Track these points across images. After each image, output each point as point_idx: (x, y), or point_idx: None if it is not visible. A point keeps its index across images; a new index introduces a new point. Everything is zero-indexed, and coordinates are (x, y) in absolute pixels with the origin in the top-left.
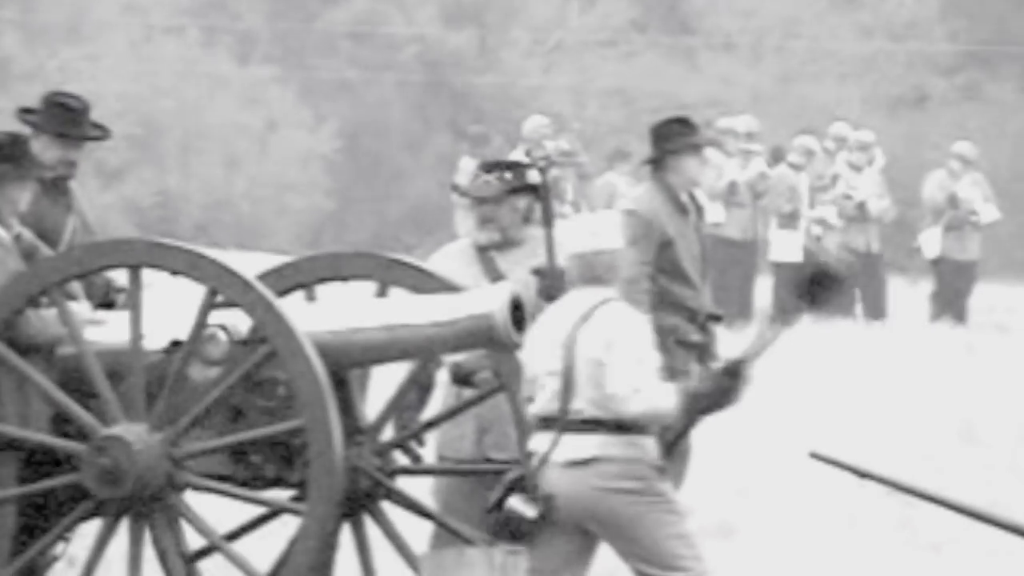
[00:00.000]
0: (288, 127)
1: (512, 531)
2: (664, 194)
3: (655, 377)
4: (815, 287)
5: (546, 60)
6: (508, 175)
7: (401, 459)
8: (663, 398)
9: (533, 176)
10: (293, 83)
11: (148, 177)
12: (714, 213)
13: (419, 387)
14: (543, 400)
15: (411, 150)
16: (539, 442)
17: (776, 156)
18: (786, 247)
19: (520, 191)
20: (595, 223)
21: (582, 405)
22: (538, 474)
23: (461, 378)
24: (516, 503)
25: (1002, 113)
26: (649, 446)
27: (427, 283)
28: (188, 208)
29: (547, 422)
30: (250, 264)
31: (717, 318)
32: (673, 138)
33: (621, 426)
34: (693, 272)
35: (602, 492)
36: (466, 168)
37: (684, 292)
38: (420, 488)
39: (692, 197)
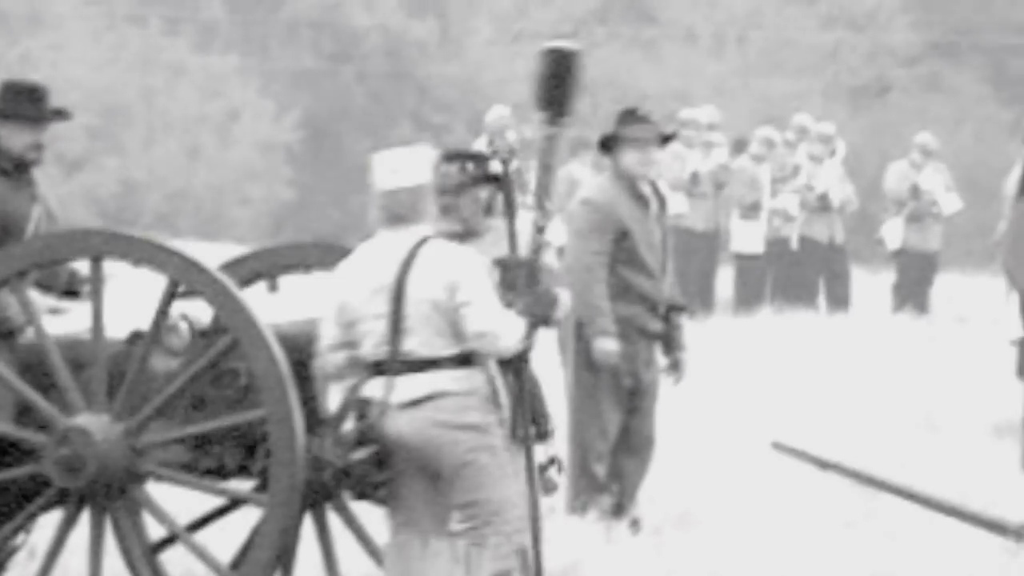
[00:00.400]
0: (250, 117)
1: (366, 481)
2: (622, 184)
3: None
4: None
5: (508, 50)
6: (470, 165)
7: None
8: (518, 329)
9: (495, 167)
10: (255, 73)
11: (109, 166)
12: (677, 204)
13: None
14: (371, 345)
15: (373, 140)
16: (373, 388)
17: (738, 147)
18: (747, 238)
19: (481, 182)
20: (395, 160)
21: (412, 347)
22: (379, 420)
23: None
24: (359, 454)
25: (964, 103)
26: (481, 380)
27: None
28: (150, 198)
29: (378, 366)
30: (212, 254)
31: (680, 308)
32: (618, 128)
33: (454, 362)
34: (652, 262)
35: (444, 427)
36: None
37: (642, 282)
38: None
39: (655, 187)
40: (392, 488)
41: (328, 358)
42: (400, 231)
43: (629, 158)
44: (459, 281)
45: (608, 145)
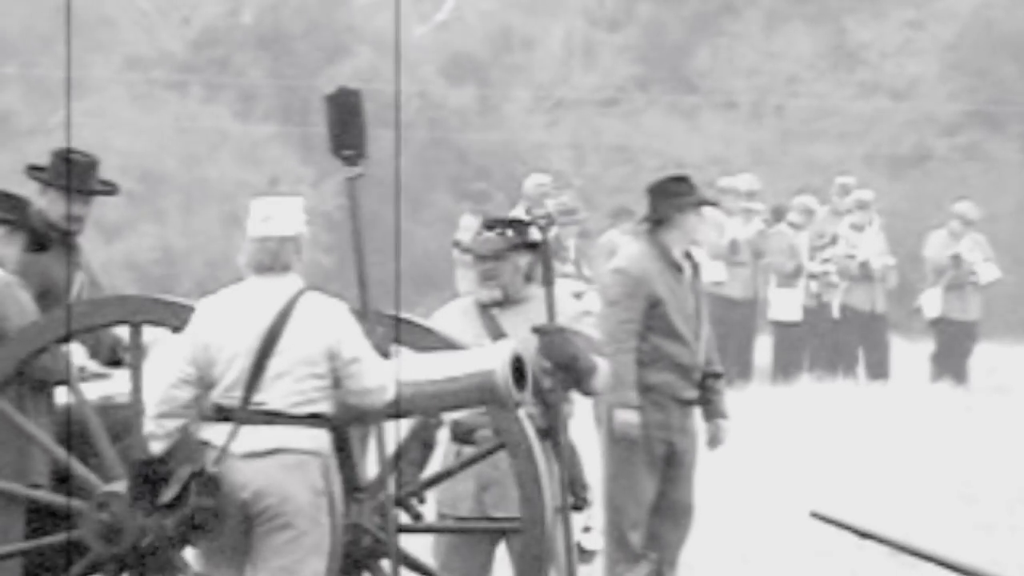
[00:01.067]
0: (289, 183)
1: (198, 525)
2: (657, 252)
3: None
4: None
5: (548, 117)
6: (510, 232)
7: (402, 517)
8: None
9: (534, 234)
10: (294, 140)
11: (149, 233)
12: (715, 272)
13: (421, 445)
14: (223, 389)
15: (412, 207)
16: (216, 433)
17: (776, 215)
18: (786, 306)
19: (521, 248)
20: (268, 207)
21: (267, 398)
22: (218, 465)
23: (461, 436)
24: (198, 500)
25: (1003, 172)
26: (327, 442)
27: (428, 340)
28: (189, 264)
29: (226, 412)
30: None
31: (717, 375)
32: (672, 196)
33: (305, 420)
34: (685, 330)
35: (281, 483)
36: (467, 225)
37: (676, 349)
38: (420, 546)
39: (689, 255)
40: (204, 539)
41: (173, 392)
42: (269, 279)
43: (689, 222)
44: (342, 339)
45: (660, 214)
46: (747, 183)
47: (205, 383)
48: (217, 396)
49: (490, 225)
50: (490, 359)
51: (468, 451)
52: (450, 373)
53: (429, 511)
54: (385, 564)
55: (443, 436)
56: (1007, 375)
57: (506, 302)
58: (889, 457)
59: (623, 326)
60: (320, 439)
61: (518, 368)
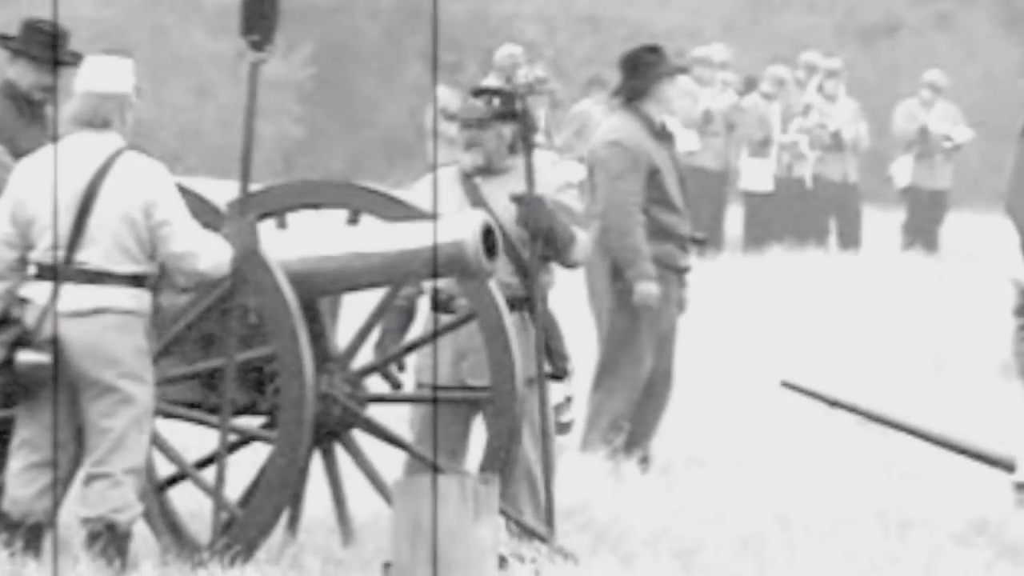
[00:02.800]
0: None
1: (28, 384)
2: (643, 123)
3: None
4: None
5: None
6: (496, 101)
7: (375, 386)
8: (224, 251)
9: (519, 104)
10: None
11: None
12: (689, 141)
13: (401, 313)
14: (44, 248)
15: (383, 78)
16: (36, 291)
17: (748, 86)
18: (757, 176)
19: (507, 118)
20: (95, 64)
21: (89, 257)
22: (39, 325)
23: (440, 304)
24: (26, 356)
25: (973, 42)
26: (147, 303)
27: (398, 211)
28: (160, 135)
29: (47, 271)
30: (221, 192)
31: (701, 241)
32: (646, 67)
33: (127, 280)
34: (677, 199)
35: (105, 342)
36: (440, 96)
37: (673, 219)
38: (396, 415)
39: (663, 125)
40: (30, 402)
41: None
42: (90, 136)
43: (668, 92)
44: (156, 200)
45: (643, 88)
46: (718, 53)
47: (27, 242)
48: (39, 255)
49: (476, 93)
50: (460, 228)
51: (446, 320)
52: (420, 243)
53: (409, 380)
54: (356, 434)
55: (424, 305)
56: (977, 243)
57: (489, 172)
58: (860, 326)
59: (630, 199)
60: (142, 299)
61: (488, 238)
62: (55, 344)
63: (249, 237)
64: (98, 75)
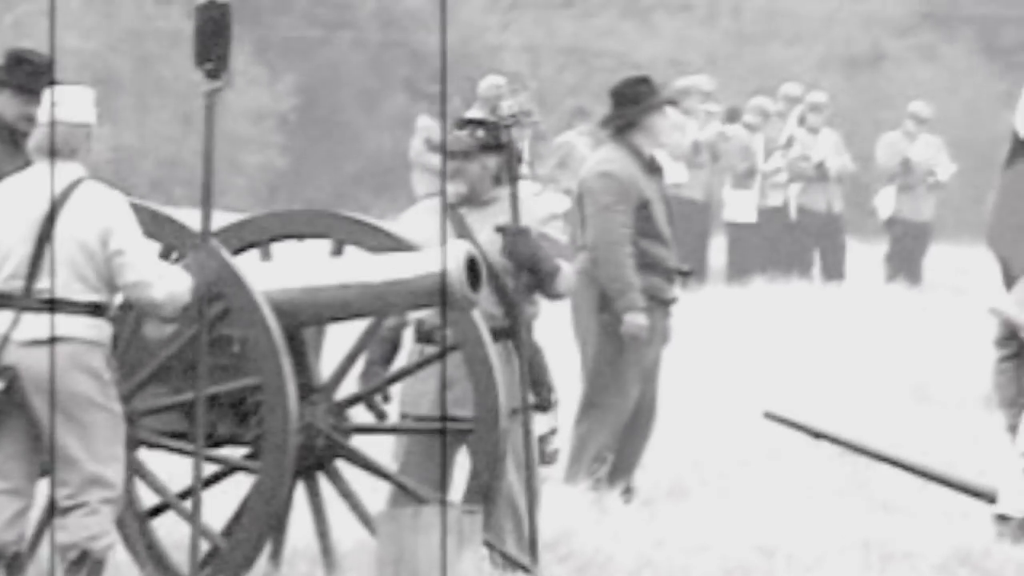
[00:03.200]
0: (243, 84)
1: None
2: (633, 155)
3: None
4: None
5: (503, 18)
6: (480, 132)
7: (360, 417)
8: (182, 282)
9: (504, 135)
10: (248, 40)
11: (103, 134)
12: (677, 174)
13: (386, 344)
14: (4, 276)
15: (367, 109)
16: None
17: (731, 116)
18: (740, 207)
19: (491, 149)
20: (59, 94)
21: (48, 285)
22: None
23: (423, 335)
24: None
25: (956, 74)
26: (108, 333)
27: (382, 241)
28: (143, 165)
29: (6, 300)
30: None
31: (687, 273)
32: (636, 99)
33: (86, 309)
34: (666, 232)
35: (63, 370)
36: (424, 126)
37: (661, 252)
38: (381, 446)
39: (652, 158)
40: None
41: None
42: (54, 165)
43: (658, 124)
44: (112, 228)
45: (634, 120)
46: (704, 84)
47: None
48: (0, 283)
49: (461, 124)
50: (444, 260)
51: (430, 351)
52: (404, 274)
53: (394, 412)
54: (340, 465)
55: (408, 336)
56: (960, 275)
57: (474, 202)
58: (843, 358)
59: (620, 230)
60: (102, 328)
61: (472, 269)
62: (10, 373)
63: (210, 268)
64: (59, 104)
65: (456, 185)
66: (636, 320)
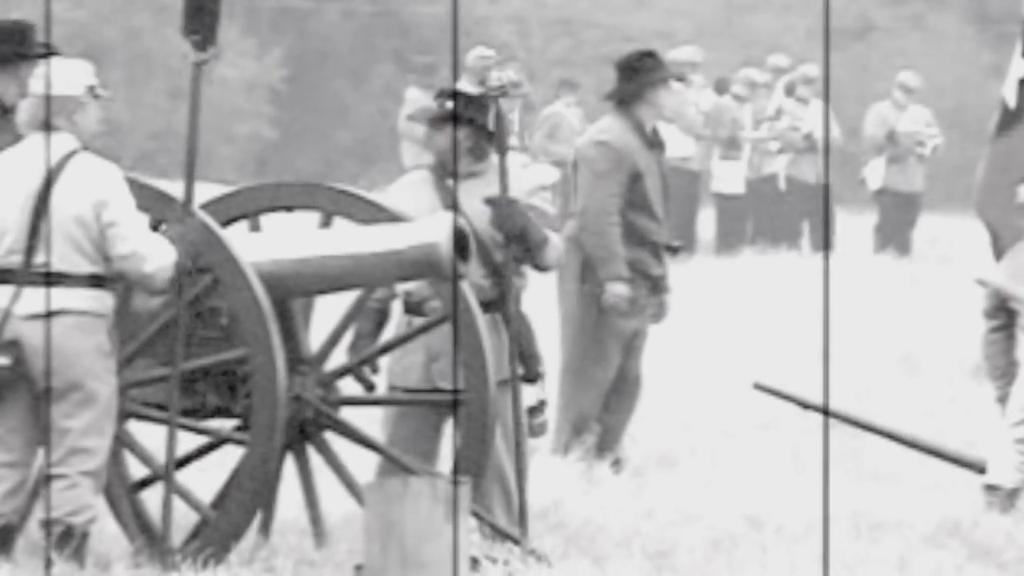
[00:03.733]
0: (232, 56)
1: None
2: (632, 127)
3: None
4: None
5: None
6: (448, 103)
7: (349, 388)
8: (168, 255)
9: (475, 110)
10: (238, 12)
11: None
12: (684, 147)
13: (374, 316)
14: (3, 251)
15: (356, 80)
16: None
17: (720, 88)
18: (728, 179)
19: (460, 120)
20: (50, 68)
21: (46, 259)
22: (1, 328)
23: (412, 307)
24: None
25: (946, 44)
26: (110, 304)
27: (371, 213)
28: (133, 137)
29: (7, 274)
30: (195, 193)
31: (675, 249)
32: (644, 72)
33: (86, 281)
34: (657, 206)
35: (65, 344)
36: (413, 98)
37: (649, 226)
38: (369, 417)
39: (655, 131)
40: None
41: None
42: (43, 138)
43: (663, 98)
44: (106, 200)
45: (638, 92)
46: (692, 55)
47: None
48: None
49: (438, 94)
50: (432, 231)
51: (418, 322)
52: (392, 246)
53: (382, 383)
54: (329, 436)
55: (397, 308)
56: (950, 246)
57: (441, 170)
58: (832, 328)
59: (610, 199)
60: (102, 300)
61: (461, 241)
62: (14, 347)
63: (194, 240)
64: (47, 77)
65: (428, 155)
66: (616, 290)
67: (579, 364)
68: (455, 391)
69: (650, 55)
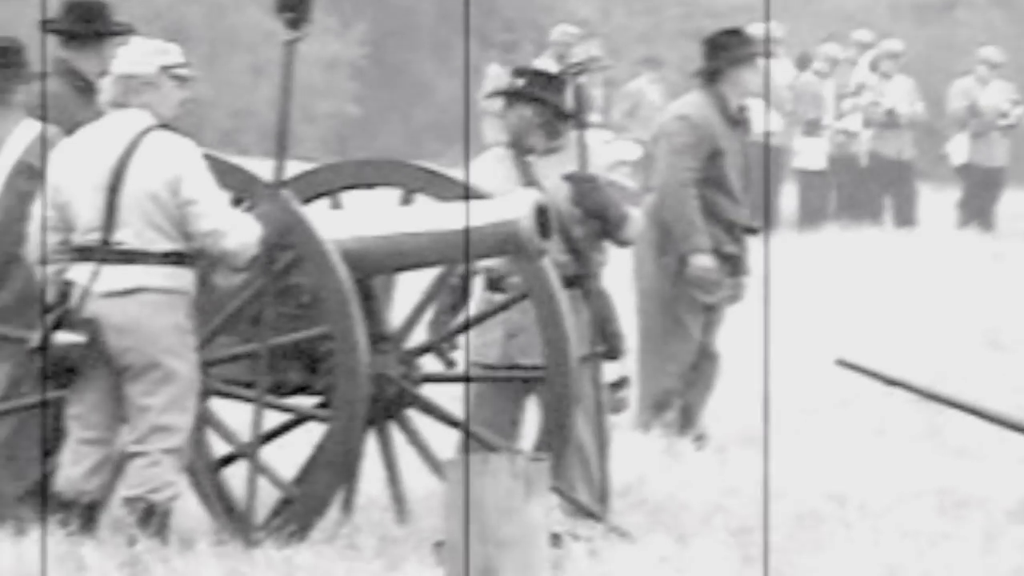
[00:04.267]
0: (315, 33)
1: (65, 366)
2: (715, 104)
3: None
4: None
5: None
6: (520, 81)
7: (430, 365)
8: (252, 231)
9: (548, 87)
10: None
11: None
12: (773, 123)
13: (456, 293)
14: (82, 229)
15: (438, 57)
16: (79, 273)
17: (802, 63)
18: (811, 154)
19: (529, 99)
20: (126, 48)
21: (124, 237)
22: (80, 305)
23: (493, 283)
24: (62, 337)
25: None
26: (190, 281)
27: (452, 190)
28: (215, 115)
29: (86, 252)
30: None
31: (753, 231)
32: (728, 49)
33: (164, 258)
34: (736, 184)
35: (143, 321)
36: (495, 75)
37: (725, 204)
38: (450, 394)
39: (742, 109)
40: (76, 381)
41: (38, 240)
42: (119, 116)
43: (747, 76)
44: (182, 177)
45: (722, 68)
46: (773, 31)
47: (68, 225)
48: (78, 236)
49: (515, 72)
50: (514, 208)
51: (499, 299)
52: (474, 223)
53: (462, 360)
54: (411, 413)
55: (478, 284)
56: None
57: (516, 147)
58: (916, 304)
59: (686, 173)
60: (182, 277)
61: (542, 217)
62: (91, 324)
63: (281, 218)
64: (123, 56)
65: (504, 132)
66: (700, 262)
67: (659, 340)
68: (536, 367)
69: (735, 32)
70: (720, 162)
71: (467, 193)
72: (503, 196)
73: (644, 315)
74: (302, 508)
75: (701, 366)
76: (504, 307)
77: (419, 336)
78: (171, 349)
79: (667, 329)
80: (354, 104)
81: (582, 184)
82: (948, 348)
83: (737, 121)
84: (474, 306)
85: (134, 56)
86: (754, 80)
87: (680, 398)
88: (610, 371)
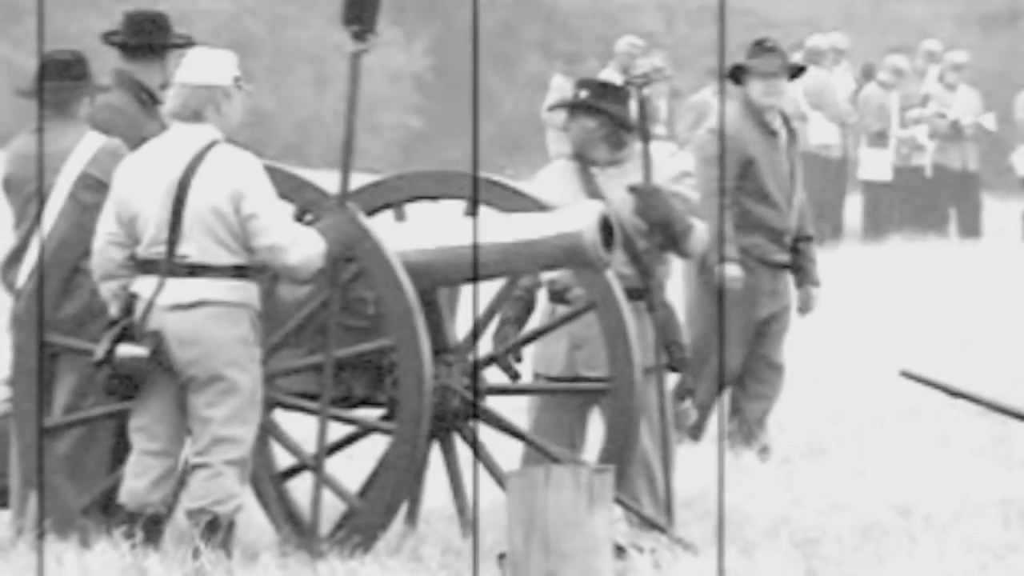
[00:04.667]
0: (379, 45)
1: (128, 379)
2: (751, 115)
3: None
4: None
5: None
6: (583, 92)
7: (494, 377)
8: (316, 245)
9: (611, 99)
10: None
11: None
12: (826, 134)
13: (519, 304)
14: (147, 242)
15: (501, 69)
16: (143, 286)
17: (867, 74)
18: (876, 166)
19: (589, 110)
20: (194, 57)
21: (188, 251)
22: (144, 318)
23: (556, 295)
24: (125, 349)
25: None
26: (253, 294)
27: (516, 202)
28: (279, 128)
29: (151, 266)
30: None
31: (807, 239)
32: (747, 59)
33: (227, 272)
34: (777, 193)
35: (207, 334)
36: (559, 86)
37: (766, 212)
38: (514, 406)
39: (784, 118)
40: (140, 393)
41: (105, 254)
42: (184, 129)
43: (756, 89)
44: (243, 191)
45: (738, 76)
46: (838, 42)
47: (134, 239)
48: (143, 250)
49: (579, 83)
50: (578, 220)
51: (562, 311)
52: (538, 234)
53: (526, 372)
54: (474, 425)
55: (542, 296)
56: None
57: (581, 159)
58: (980, 316)
59: (713, 184)
60: (246, 290)
61: (606, 229)
62: (155, 337)
63: (347, 231)
64: (191, 67)
65: (567, 145)
66: (729, 271)
67: (701, 352)
68: (600, 379)
69: (759, 43)
70: (754, 171)
71: (526, 205)
72: (567, 208)
73: (689, 327)
74: (366, 520)
75: (763, 376)
76: (568, 319)
77: (483, 348)
78: (234, 361)
79: (709, 342)
80: (418, 116)
81: (646, 196)
82: (1013, 359)
83: (772, 130)
84: (538, 318)
85: (209, 66)
86: (778, 89)
87: (736, 410)
88: (673, 383)
